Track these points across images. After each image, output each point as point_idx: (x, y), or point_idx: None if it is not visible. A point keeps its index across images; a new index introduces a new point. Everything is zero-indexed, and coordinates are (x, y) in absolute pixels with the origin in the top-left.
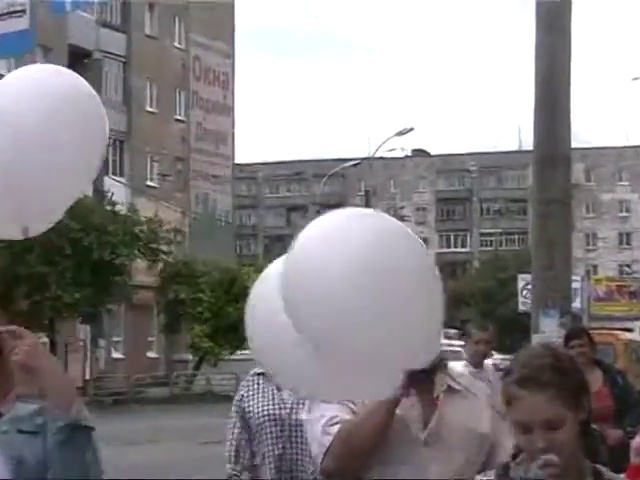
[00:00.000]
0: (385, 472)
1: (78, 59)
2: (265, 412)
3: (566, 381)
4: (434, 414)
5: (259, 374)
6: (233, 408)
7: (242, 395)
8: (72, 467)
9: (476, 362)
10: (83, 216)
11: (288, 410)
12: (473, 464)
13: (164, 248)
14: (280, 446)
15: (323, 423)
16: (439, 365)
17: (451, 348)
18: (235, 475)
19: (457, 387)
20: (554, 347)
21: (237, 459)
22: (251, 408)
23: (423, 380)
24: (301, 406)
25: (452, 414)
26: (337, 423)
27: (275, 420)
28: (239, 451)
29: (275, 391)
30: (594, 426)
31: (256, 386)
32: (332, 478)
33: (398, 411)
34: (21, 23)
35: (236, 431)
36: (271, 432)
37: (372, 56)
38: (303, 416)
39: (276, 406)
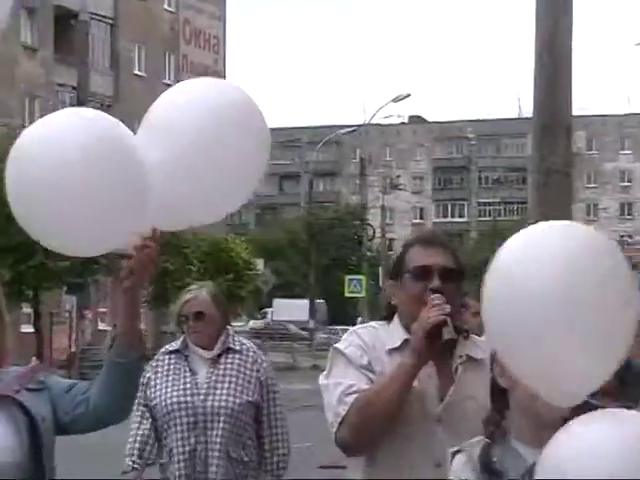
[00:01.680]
0: (392, 447)
1: (64, 21)
2: (174, 399)
3: None
4: (450, 387)
5: (171, 352)
6: (138, 394)
7: (148, 378)
8: (132, 392)
9: (475, 334)
10: None
11: (202, 397)
12: None
13: None
14: (192, 440)
15: (340, 391)
16: (460, 335)
17: None
18: (134, 468)
19: (477, 356)
20: None
21: (141, 456)
22: (157, 394)
23: (442, 351)
24: (219, 392)
25: (469, 386)
26: (354, 392)
27: (186, 409)
28: (144, 446)
29: (188, 373)
30: (595, 402)
31: (166, 367)
32: (347, 449)
33: (415, 383)
34: None
35: (140, 422)
36: (181, 423)
37: (368, 18)
38: (320, 380)
39: (187, 392)
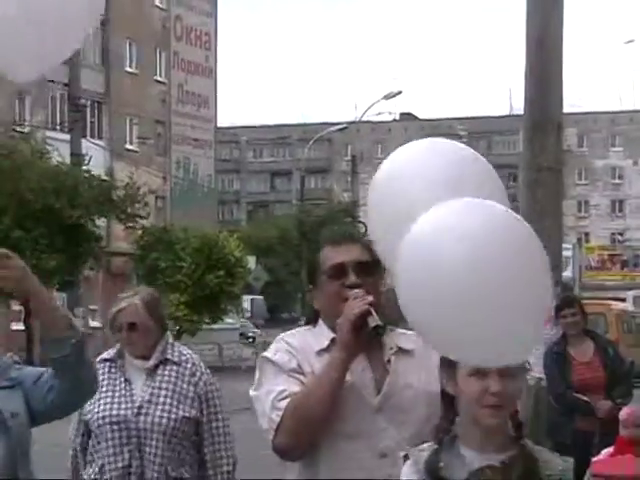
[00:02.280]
0: (338, 445)
1: None
2: (106, 412)
3: None
4: (386, 378)
5: (106, 360)
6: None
7: None
8: (85, 374)
9: None
10: (57, 179)
11: (136, 410)
12: (428, 424)
13: (141, 212)
14: (126, 456)
15: (272, 398)
16: (386, 327)
17: None
18: None
19: (407, 347)
20: None
21: (76, 474)
22: (90, 407)
23: (372, 343)
24: (152, 407)
25: (404, 376)
26: (286, 397)
27: (118, 423)
28: (78, 463)
29: (123, 384)
30: (584, 397)
31: (100, 377)
32: (286, 454)
33: (349, 377)
34: None
35: (76, 437)
36: (112, 438)
37: (360, 15)
38: (251, 392)
39: (122, 405)
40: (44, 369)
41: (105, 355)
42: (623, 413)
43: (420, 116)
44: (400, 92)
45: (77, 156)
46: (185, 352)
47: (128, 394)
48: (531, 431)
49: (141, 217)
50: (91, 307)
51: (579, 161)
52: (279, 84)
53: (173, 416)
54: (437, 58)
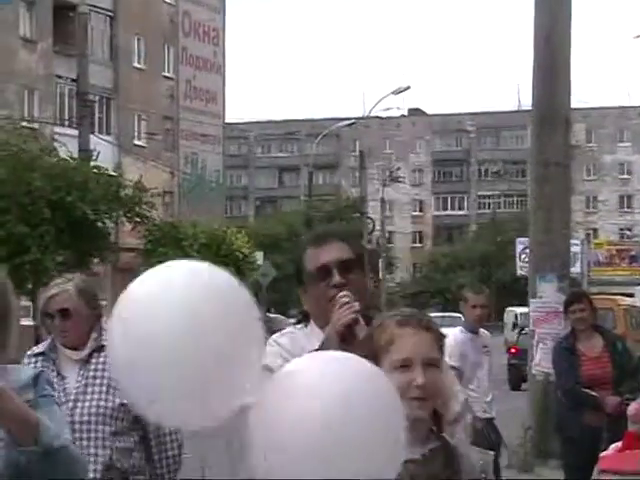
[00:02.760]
0: None
1: (63, 12)
2: None
3: (440, 335)
4: None
5: (37, 355)
6: None
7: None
8: None
9: (473, 327)
10: (65, 175)
11: (71, 404)
12: None
13: (147, 214)
14: None
15: None
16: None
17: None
18: None
19: None
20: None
21: None
22: None
23: (359, 353)
24: (89, 397)
25: None
26: None
27: None
28: None
29: (56, 379)
30: (592, 392)
31: None
32: None
33: None
34: None
35: None
36: None
37: (368, 10)
38: None
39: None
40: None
41: (36, 349)
42: (631, 408)
43: (428, 111)
44: (408, 87)
45: (85, 152)
46: None
47: (61, 389)
48: (539, 425)
49: (148, 218)
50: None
51: (587, 156)
52: (287, 80)
53: (109, 404)
54: (445, 53)
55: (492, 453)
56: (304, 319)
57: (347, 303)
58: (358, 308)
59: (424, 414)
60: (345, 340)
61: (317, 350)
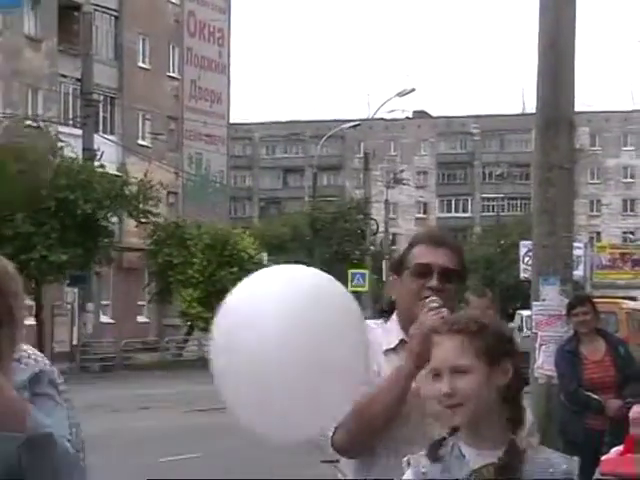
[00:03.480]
0: (395, 448)
1: (67, 12)
2: None
3: (483, 334)
4: None
5: None
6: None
7: None
8: (43, 473)
9: None
10: (70, 174)
11: None
12: None
13: (152, 209)
14: None
15: None
16: None
17: None
18: None
19: None
20: (490, 314)
21: None
22: None
23: None
24: None
25: None
26: None
27: None
28: None
29: None
30: (594, 396)
31: None
32: (343, 451)
33: (413, 383)
34: None
35: None
36: None
37: (373, 12)
38: None
39: None
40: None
41: None
42: (634, 412)
43: (433, 114)
44: (413, 89)
45: (89, 151)
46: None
47: None
48: (542, 428)
49: (153, 214)
50: (103, 302)
51: (591, 160)
52: (292, 81)
53: None
54: (451, 56)
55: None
56: (388, 311)
57: (437, 308)
58: (445, 314)
59: (460, 420)
60: (429, 342)
61: (395, 348)
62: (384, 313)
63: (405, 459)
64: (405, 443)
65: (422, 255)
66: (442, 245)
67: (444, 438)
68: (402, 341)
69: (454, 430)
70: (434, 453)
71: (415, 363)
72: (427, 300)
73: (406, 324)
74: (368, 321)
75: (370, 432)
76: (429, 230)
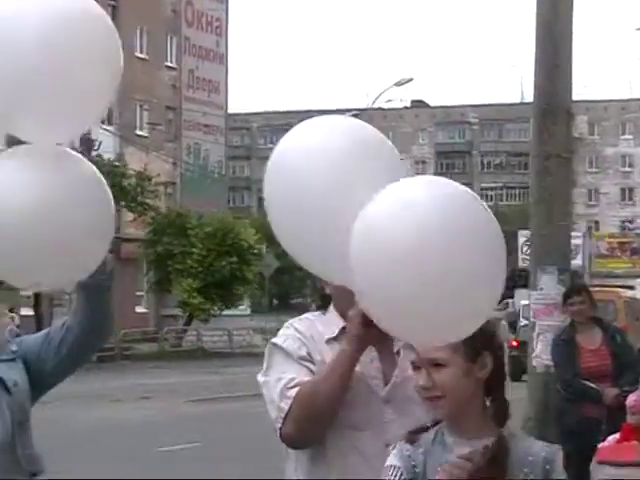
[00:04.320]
0: (344, 434)
1: None
2: None
3: None
4: (394, 369)
5: None
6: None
7: None
8: (105, 308)
9: None
10: None
11: None
12: None
13: (150, 202)
14: None
15: (281, 386)
16: None
17: None
18: None
19: None
20: None
21: None
22: None
23: (381, 335)
24: None
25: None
26: (296, 385)
27: None
28: None
29: None
30: (591, 384)
31: None
32: (293, 443)
33: (358, 368)
34: None
35: None
36: None
37: (371, 2)
38: (259, 378)
39: None
40: (46, 330)
41: None
42: (630, 400)
43: (431, 103)
44: (411, 79)
45: (87, 141)
46: None
47: None
48: (539, 417)
49: (150, 207)
50: None
51: (589, 149)
52: (290, 70)
53: None
54: (448, 45)
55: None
56: (323, 303)
57: None
58: None
59: (440, 412)
60: (368, 324)
61: (337, 336)
62: (320, 308)
63: (390, 446)
64: (352, 429)
65: None
66: None
67: (427, 427)
68: (343, 329)
69: (437, 422)
70: (412, 438)
71: (356, 346)
72: None
73: (345, 313)
74: (306, 314)
75: (318, 418)
76: None
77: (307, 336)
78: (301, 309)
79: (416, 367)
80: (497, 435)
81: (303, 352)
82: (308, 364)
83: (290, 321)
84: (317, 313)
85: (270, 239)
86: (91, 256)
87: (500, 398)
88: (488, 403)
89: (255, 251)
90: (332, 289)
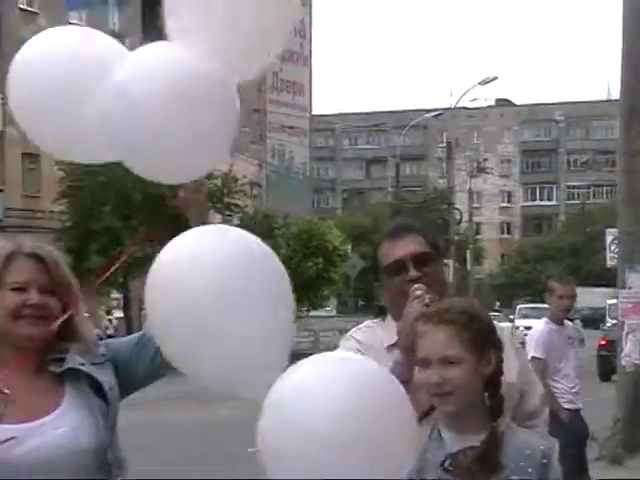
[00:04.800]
0: None
1: (151, 7)
2: None
3: (472, 325)
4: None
5: None
6: None
7: None
8: None
9: (559, 318)
10: None
11: None
12: (507, 413)
13: (239, 203)
14: None
15: None
16: None
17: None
18: None
19: None
20: (476, 303)
21: None
22: None
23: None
24: None
25: None
26: None
27: None
28: None
29: None
30: None
31: None
32: None
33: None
34: None
35: None
36: None
37: (455, 1)
38: None
39: None
40: (138, 333)
41: None
42: None
43: (517, 101)
44: (496, 78)
45: None
46: None
47: None
48: (629, 419)
49: (237, 206)
50: None
51: None
52: (374, 71)
53: None
54: (534, 42)
55: (555, 440)
56: (380, 314)
57: (419, 296)
58: (429, 301)
59: (450, 408)
60: (413, 337)
61: (394, 345)
62: (380, 315)
63: None
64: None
65: (389, 253)
66: (404, 233)
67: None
68: None
69: (425, 414)
70: None
71: (407, 356)
72: (411, 290)
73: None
74: (367, 321)
75: None
76: (389, 226)
77: (367, 346)
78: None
79: (425, 364)
80: (490, 430)
81: None
82: None
83: (350, 332)
84: (377, 320)
85: (355, 240)
86: None
87: (496, 393)
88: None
89: (340, 252)
90: (386, 301)
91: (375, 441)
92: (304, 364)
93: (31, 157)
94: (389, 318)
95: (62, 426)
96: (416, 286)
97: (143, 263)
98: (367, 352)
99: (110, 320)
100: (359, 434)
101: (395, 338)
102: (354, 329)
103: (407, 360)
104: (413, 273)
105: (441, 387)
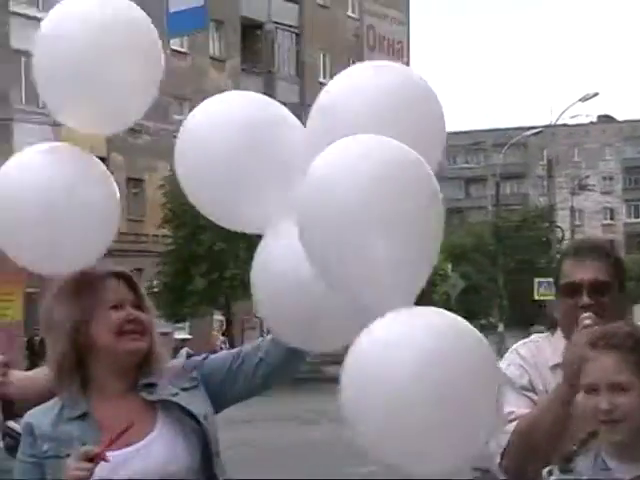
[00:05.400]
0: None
1: (250, 31)
2: None
3: (638, 349)
4: None
5: None
6: None
7: None
8: None
9: None
10: None
11: None
12: None
13: None
14: None
15: None
16: None
17: None
18: None
19: None
20: (637, 325)
21: None
22: None
23: None
24: None
25: None
26: (515, 419)
27: None
28: None
29: None
30: None
31: None
32: (512, 478)
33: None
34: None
35: None
36: None
37: (554, 18)
38: None
39: None
40: (234, 351)
41: None
42: None
43: (619, 118)
44: (597, 94)
45: None
46: None
47: None
48: None
49: None
50: None
51: None
52: (473, 90)
53: None
54: (635, 57)
55: None
56: (552, 327)
57: (588, 326)
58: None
59: (617, 437)
60: (578, 366)
61: (558, 365)
62: (552, 328)
63: (545, 470)
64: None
65: (569, 273)
66: (589, 257)
67: (575, 451)
68: None
69: (585, 442)
70: (566, 466)
71: (572, 386)
72: (581, 317)
73: (569, 338)
74: (533, 335)
75: (537, 454)
76: (576, 242)
77: (531, 363)
78: (488, 329)
79: (593, 390)
80: None
81: (524, 381)
82: (529, 394)
83: (515, 345)
84: (545, 334)
85: (454, 259)
86: None
87: None
88: None
89: (441, 272)
90: (559, 317)
91: (457, 401)
92: (386, 318)
93: (135, 182)
94: (559, 333)
95: (156, 452)
96: (586, 315)
97: (245, 286)
98: (530, 369)
99: (225, 342)
100: (442, 393)
101: (561, 358)
102: (520, 342)
103: (574, 391)
104: (586, 300)
105: (611, 414)
